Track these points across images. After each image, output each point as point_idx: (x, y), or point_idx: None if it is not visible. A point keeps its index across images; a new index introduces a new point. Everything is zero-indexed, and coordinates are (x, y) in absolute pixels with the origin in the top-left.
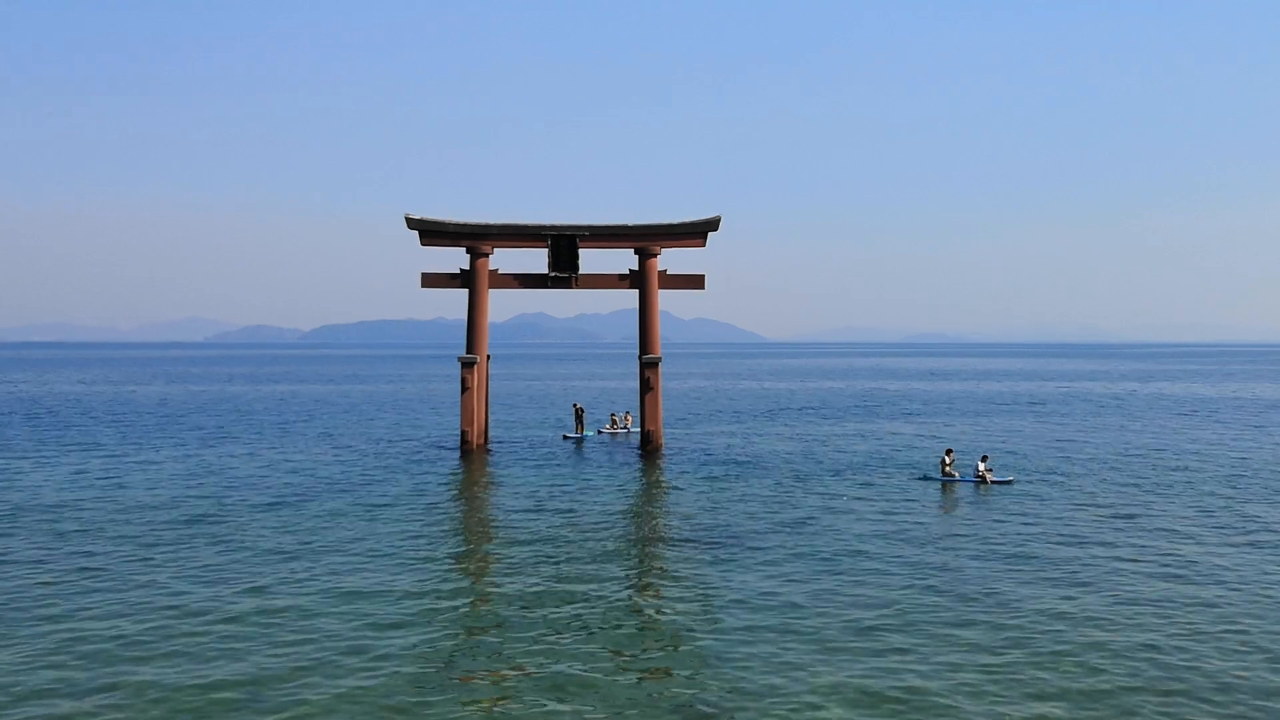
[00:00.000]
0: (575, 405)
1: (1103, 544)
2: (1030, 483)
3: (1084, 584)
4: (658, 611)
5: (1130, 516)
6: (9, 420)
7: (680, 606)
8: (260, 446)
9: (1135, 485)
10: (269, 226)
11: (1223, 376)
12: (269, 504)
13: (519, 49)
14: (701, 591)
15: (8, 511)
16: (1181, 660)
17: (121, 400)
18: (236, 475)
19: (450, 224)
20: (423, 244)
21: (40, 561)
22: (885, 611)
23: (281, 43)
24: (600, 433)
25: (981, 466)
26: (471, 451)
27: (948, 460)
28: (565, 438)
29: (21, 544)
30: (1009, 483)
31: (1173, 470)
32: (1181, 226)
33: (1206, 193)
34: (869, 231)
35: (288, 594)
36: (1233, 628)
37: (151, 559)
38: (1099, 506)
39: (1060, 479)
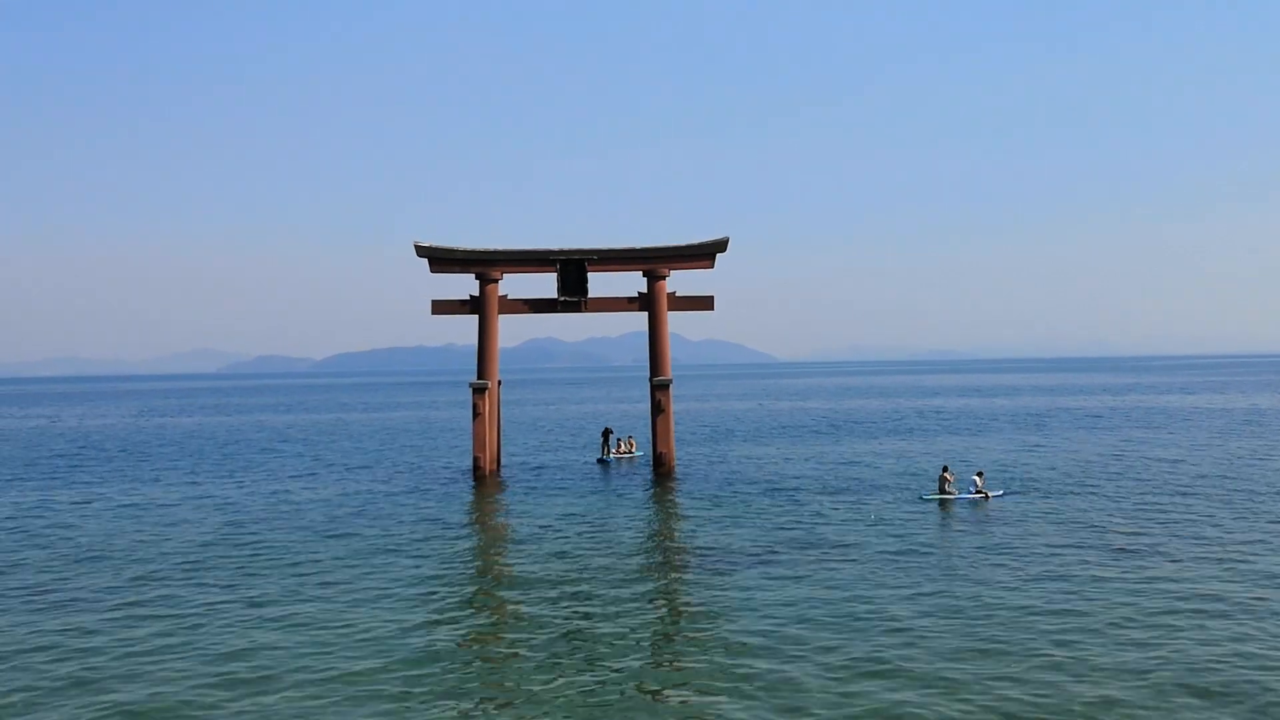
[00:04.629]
0: (605, 430)
1: (1103, 556)
2: (1025, 496)
3: (1077, 604)
4: (674, 636)
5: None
6: (43, 454)
7: (696, 630)
8: (275, 476)
9: (1155, 497)
10: (279, 257)
11: (1257, 387)
12: (283, 533)
13: (524, 80)
14: (717, 616)
15: (54, 542)
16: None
17: (148, 433)
18: (247, 507)
19: (459, 251)
20: (432, 271)
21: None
22: (902, 630)
23: (286, 71)
24: (613, 455)
25: (979, 482)
26: (484, 478)
27: (948, 477)
28: (598, 461)
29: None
30: (1000, 495)
31: (1201, 480)
32: (1188, 236)
33: (1213, 202)
34: (878, 250)
35: (303, 618)
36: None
37: (180, 588)
38: (1104, 519)
39: (1077, 491)
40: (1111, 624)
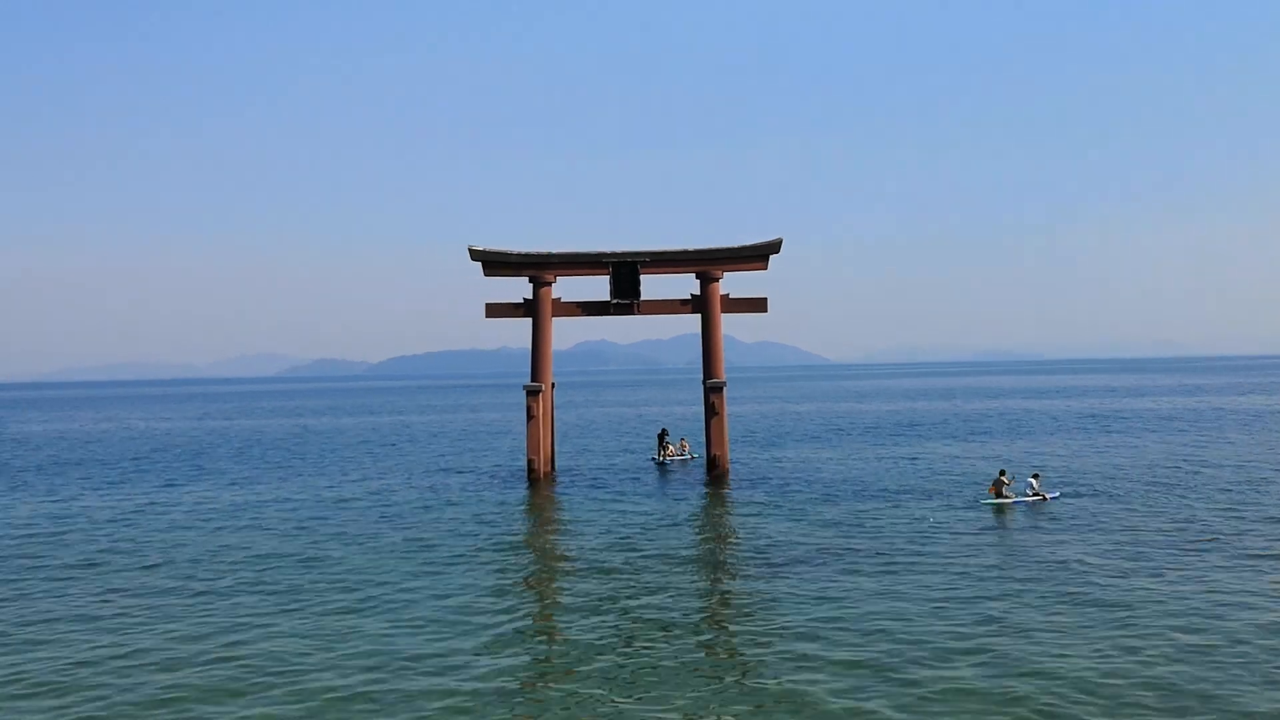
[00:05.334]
0: (661, 431)
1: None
2: (1091, 498)
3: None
4: (733, 646)
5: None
6: (116, 457)
7: (753, 639)
8: (329, 478)
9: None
10: (335, 262)
11: None
12: (332, 536)
13: (575, 84)
14: (772, 622)
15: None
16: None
17: (216, 435)
18: (311, 508)
19: (513, 254)
20: (486, 275)
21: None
22: (961, 644)
23: (336, 80)
24: (668, 457)
25: (1035, 483)
26: (538, 480)
27: (1005, 480)
28: (653, 460)
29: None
30: (1055, 497)
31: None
32: (1256, 234)
33: (1269, 196)
34: (934, 250)
35: (356, 622)
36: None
37: (242, 588)
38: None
39: (1139, 497)
40: (1234, 628)
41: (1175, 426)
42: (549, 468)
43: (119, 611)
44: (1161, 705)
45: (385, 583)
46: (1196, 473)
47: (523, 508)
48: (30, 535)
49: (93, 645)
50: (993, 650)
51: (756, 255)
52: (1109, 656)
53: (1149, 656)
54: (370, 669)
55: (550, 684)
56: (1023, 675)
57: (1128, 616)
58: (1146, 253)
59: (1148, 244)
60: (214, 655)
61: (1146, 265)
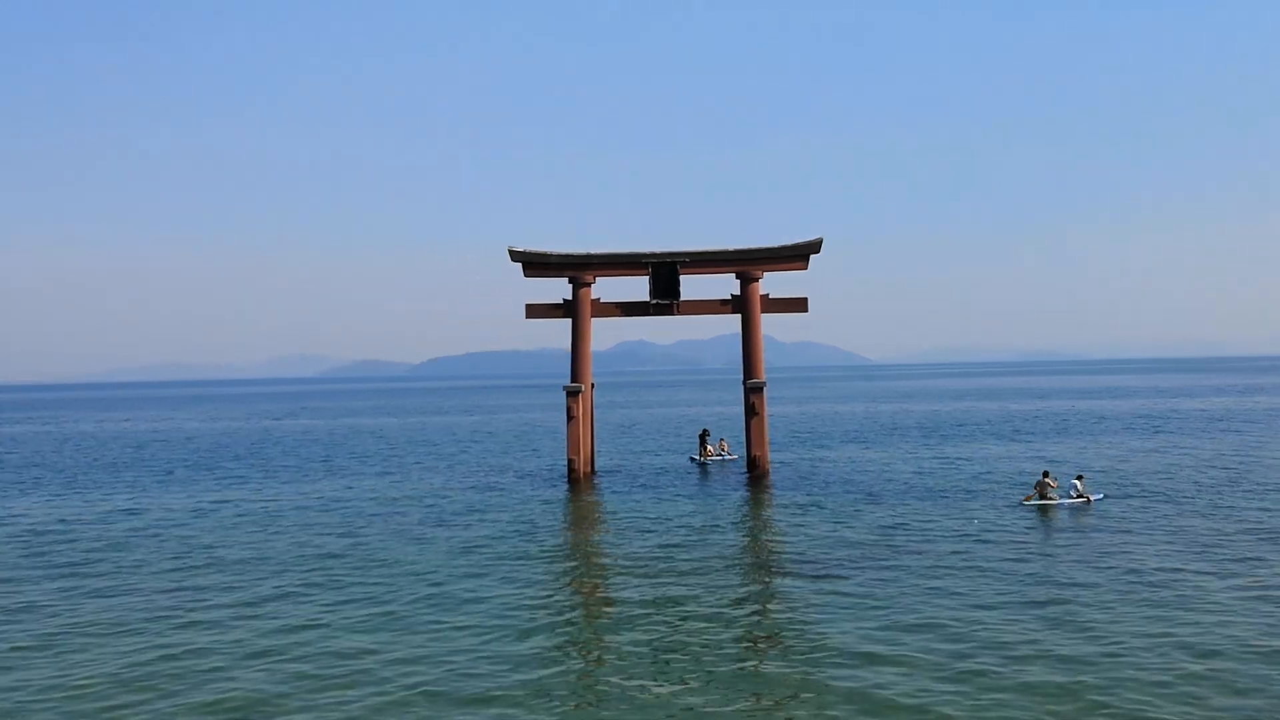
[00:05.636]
0: (703, 431)
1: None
2: (1137, 500)
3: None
4: (787, 646)
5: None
6: (166, 457)
7: (809, 640)
8: (374, 478)
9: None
10: (376, 263)
11: None
12: (380, 535)
13: (609, 89)
14: (827, 623)
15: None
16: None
17: (261, 435)
18: (350, 508)
19: (553, 255)
20: (526, 276)
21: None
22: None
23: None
24: (708, 457)
25: (1080, 485)
26: (579, 479)
27: (1049, 483)
28: (691, 460)
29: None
30: (1099, 499)
31: None
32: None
33: None
34: (972, 248)
35: (409, 622)
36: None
37: (286, 589)
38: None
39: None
40: None
41: (1227, 427)
42: (589, 467)
43: (174, 612)
44: (1237, 706)
45: (437, 583)
46: (1250, 474)
47: (566, 509)
48: (86, 535)
49: (150, 646)
50: (1057, 653)
51: (797, 255)
52: (1178, 659)
53: (1220, 659)
54: (423, 669)
55: (602, 685)
56: (1093, 677)
57: (1192, 617)
58: (1196, 251)
59: (1198, 243)
60: (269, 655)
61: (1196, 264)
